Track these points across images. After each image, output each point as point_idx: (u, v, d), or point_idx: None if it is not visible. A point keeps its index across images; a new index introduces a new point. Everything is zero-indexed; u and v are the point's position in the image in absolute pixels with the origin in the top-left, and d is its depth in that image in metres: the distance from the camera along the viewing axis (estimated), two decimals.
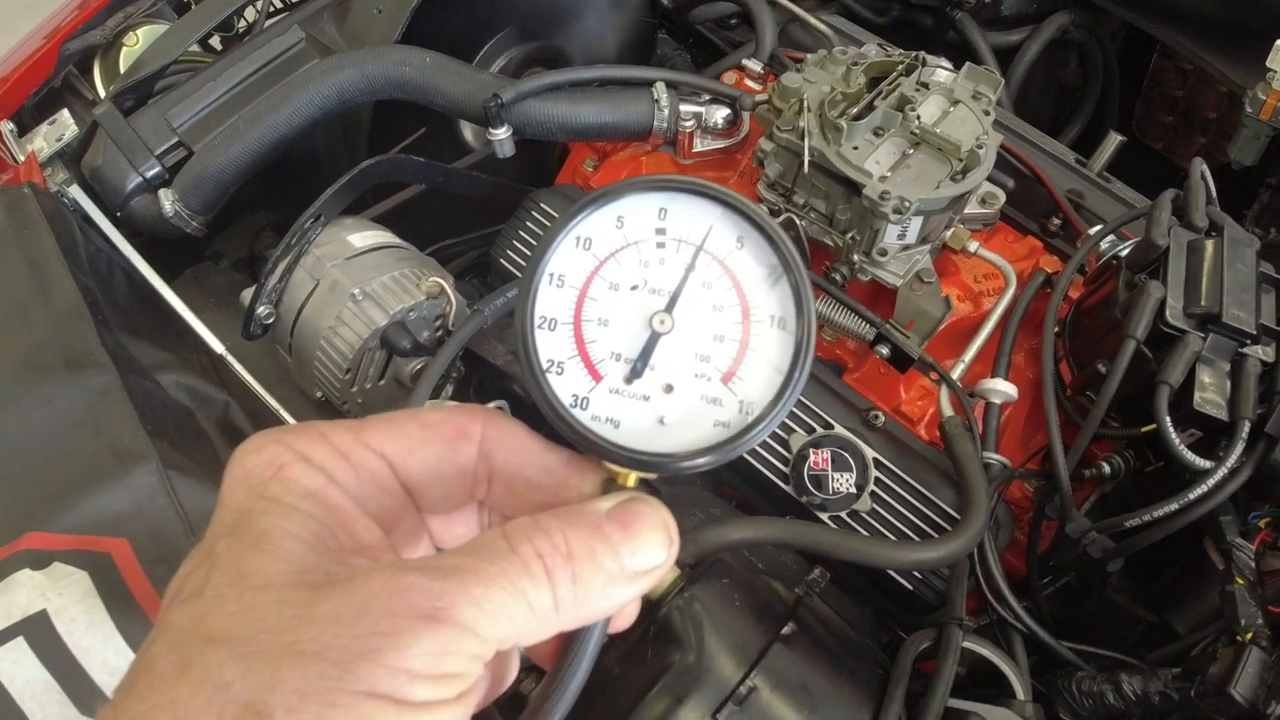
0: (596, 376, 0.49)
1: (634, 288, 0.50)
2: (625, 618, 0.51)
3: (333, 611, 0.38)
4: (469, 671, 0.40)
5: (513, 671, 0.52)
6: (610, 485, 0.49)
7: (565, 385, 0.49)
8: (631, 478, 0.49)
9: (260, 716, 0.36)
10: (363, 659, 0.37)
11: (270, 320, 1.30)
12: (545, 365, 0.48)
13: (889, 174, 1.14)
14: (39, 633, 0.92)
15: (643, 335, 0.49)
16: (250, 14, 1.82)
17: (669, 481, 1.24)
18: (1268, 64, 1.56)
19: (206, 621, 0.39)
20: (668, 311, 0.49)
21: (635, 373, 0.49)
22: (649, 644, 0.87)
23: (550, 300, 0.49)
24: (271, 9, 1.88)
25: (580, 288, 0.49)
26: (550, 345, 0.49)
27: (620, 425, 0.49)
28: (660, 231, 0.50)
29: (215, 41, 1.89)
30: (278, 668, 0.37)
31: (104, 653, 0.92)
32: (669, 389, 0.49)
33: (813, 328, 0.49)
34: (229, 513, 0.43)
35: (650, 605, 0.90)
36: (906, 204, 1.10)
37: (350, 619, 0.38)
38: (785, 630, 0.87)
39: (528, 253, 1.39)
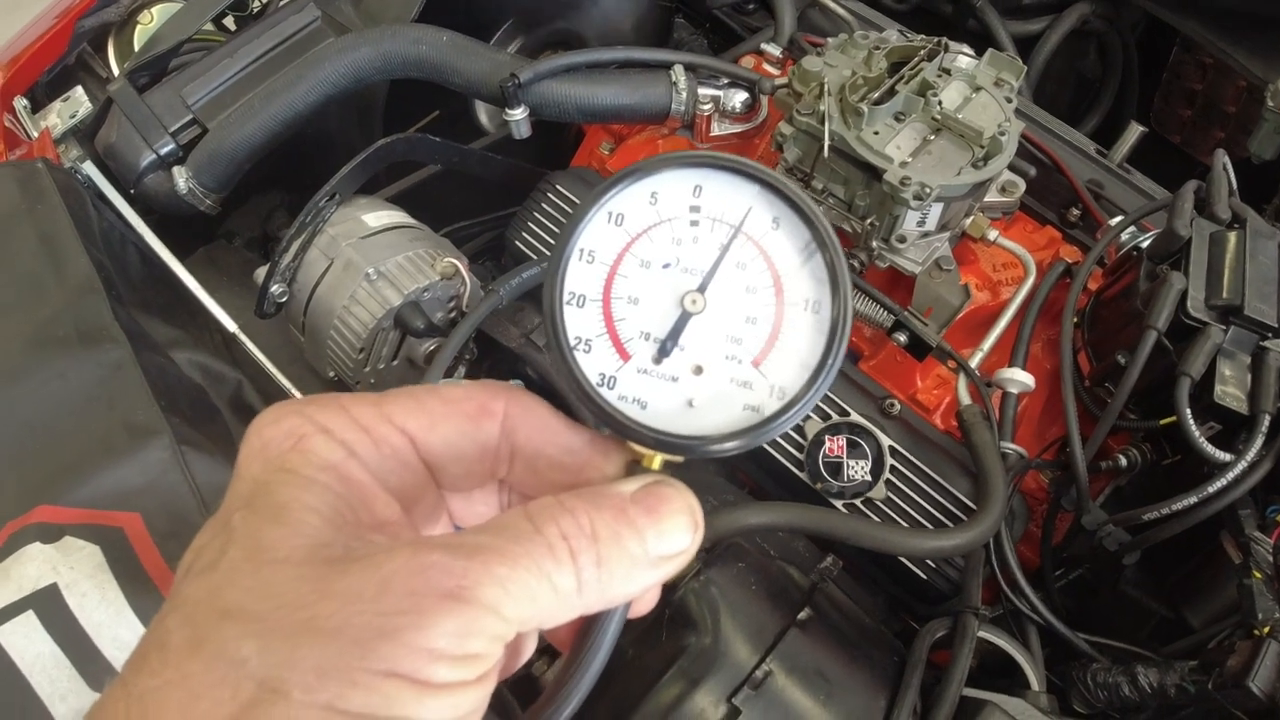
0: (625, 355, 0.48)
1: (666, 266, 0.49)
2: (646, 603, 0.50)
3: (353, 588, 0.37)
4: (491, 653, 0.39)
5: (528, 650, 0.51)
6: (634, 467, 0.48)
7: (592, 363, 0.48)
8: (656, 460, 0.48)
9: (276, 694, 0.35)
10: (384, 638, 0.36)
11: (284, 299, 1.30)
12: (573, 342, 0.47)
13: (910, 159, 1.13)
14: (49, 607, 0.92)
15: (673, 314, 0.48)
16: None
17: (684, 466, 1.23)
18: None
19: (222, 595, 0.38)
20: (700, 291, 0.48)
21: (664, 352, 0.48)
22: (664, 627, 0.87)
23: (580, 276, 0.48)
24: None
25: (611, 264, 0.48)
26: (578, 322, 0.48)
27: (648, 406, 0.48)
28: (695, 209, 0.49)
29: (229, 21, 1.88)
30: (295, 645, 0.36)
31: (115, 628, 0.92)
32: (699, 370, 0.48)
33: (848, 312, 0.48)
34: (246, 484, 0.42)
35: (666, 588, 0.89)
36: (927, 190, 1.09)
37: (371, 596, 0.37)
38: (801, 615, 0.87)
39: (543, 235, 1.38)
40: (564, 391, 0.48)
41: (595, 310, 0.48)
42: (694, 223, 0.49)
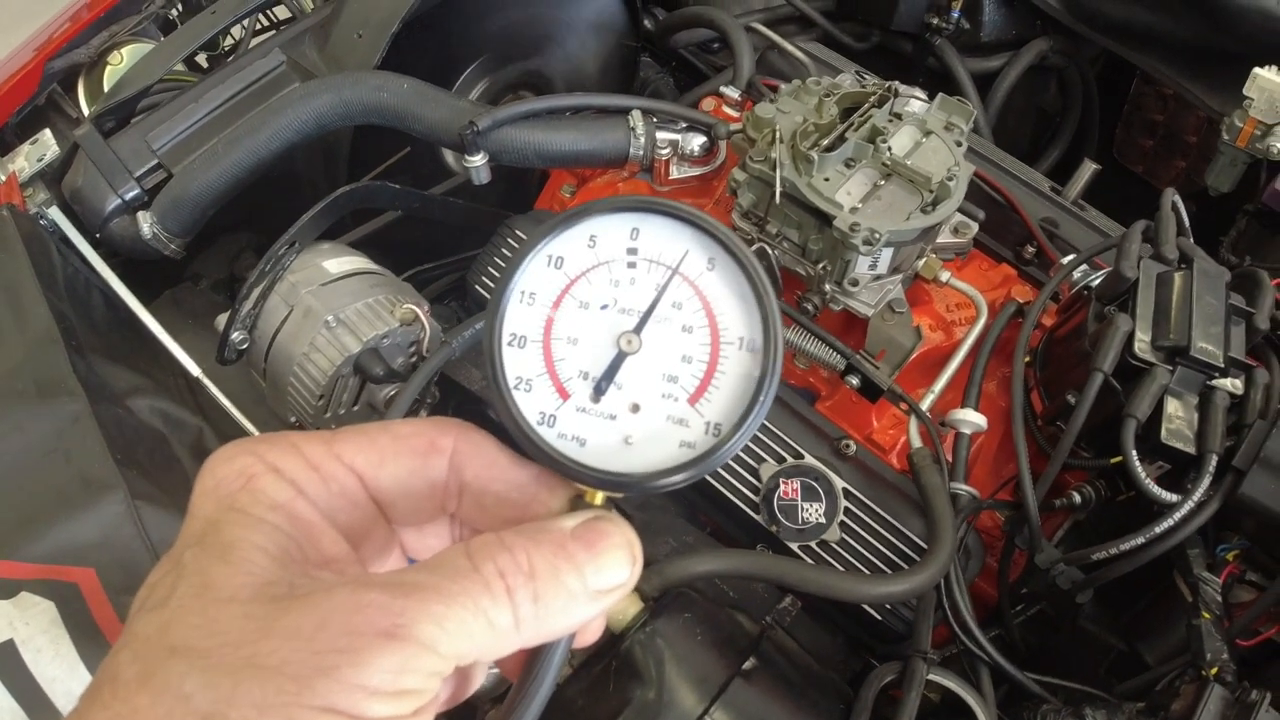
0: (564, 394, 0.49)
1: (604, 307, 0.50)
2: (590, 634, 0.51)
3: (293, 626, 0.39)
4: (426, 688, 0.40)
5: (477, 680, 0.52)
6: (578, 502, 0.49)
7: (532, 403, 0.49)
8: (599, 495, 0.49)
9: None
10: (321, 675, 0.37)
11: (245, 346, 1.30)
12: (513, 382, 0.49)
13: (860, 205, 1.14)
14: (5, 662, 0.93)
15: (610, 354, 0.50)
16: (237, 32, 1.83)
17: (641, 507, 1.24)
18: (1245, 91, 1.57)
19: (170, 632, 0.39)
20: (636, 332, 0.50)
21: (599, 391, 0.49)
22: (611, 678, 0.87)
23: (520, 318, 0.49)
24: (258, 28, 1.89)
25: (551, 306, 0.50)
26: (519, 362, 0.49)
27: (586, 444, 0.49)
28: (632, 251, 0.50)
29: (202, 59, 1.89)
30: (237, 681, 0.37)
31: (69, 683, 0.93)
32: (635, 408, 0.49)
33: (779, 351, 0.49)
34: (198, 522, 0.43)
35: (613, 638, 0.90)
36: (877, 235, 1.11)
37: (310, 634, 0.38)
38: (746, 665, 0.88)
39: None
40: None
41: (536, 351, 0.49)
42: (631, 264, 0.50)
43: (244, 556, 0.41)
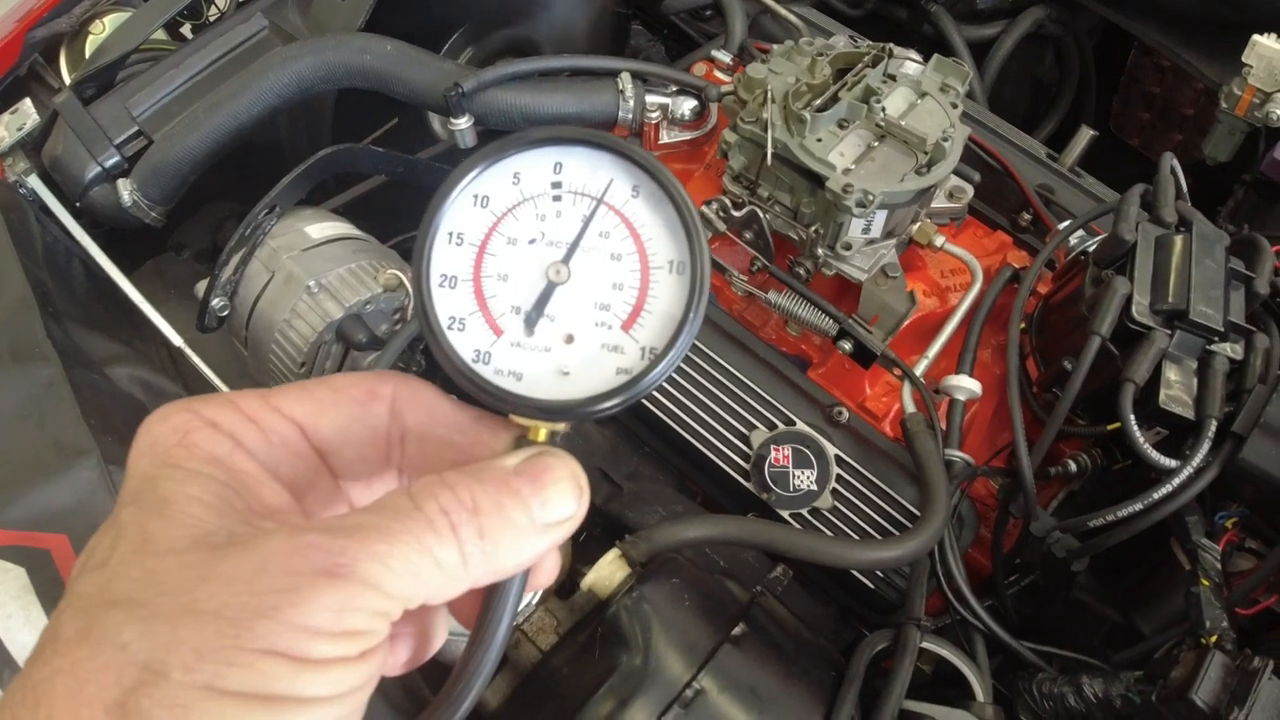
0: (497, 331, 0.49)
1: (532, 241, 0.50)
2: (545, 575, 0.51)
3: (231, 571, 0.39)
4: (373, 629, 0.40)
5: (440, 635, 0.52)
6: (521, 441, 0.49)
7: (466, 341, 0.49)
8: (542, 432, 0.49)
9: (157, 676, 0.36)
10: (260, 616, 0.37)
11: (225, 313, 1.28)
12: (446, 323, 0.49)
13: (853, 167, 1.12)
14: None
15: (540, 286, 0.50)
16: (221, 1, 1.80)
17: (631, 477, 1.22)
18: (1243, 59, 1.55)
19: (110, 588, 0.39)
20: (564, 262, 0.50)
21: (530, 323, 0.49)
22: (597, 644, 0.86)
23: (449, 258, 0.49)
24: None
25: (479, 244, 0.50)
26: (451, 302, 0.49)
27: (523, 377, 0.49)
28: (556, 185, 0.50)
29: (187, 30, 1.86)
30: (176, 628, 0.37)
31: None
32: (570, 339, 0.50)
33: (706, 269, 0.49)
34: (134, 481, 0.44)
35: (599, 605, 0.89)
36: (870, 197, 1.08)
37: (248, 577, 0.38)
38: (735, 631, 0.86)
39: None
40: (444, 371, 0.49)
41: (467, 290, 0.49)
42: (556, 198, 0.50)
43: (181, 510, 0.41)
